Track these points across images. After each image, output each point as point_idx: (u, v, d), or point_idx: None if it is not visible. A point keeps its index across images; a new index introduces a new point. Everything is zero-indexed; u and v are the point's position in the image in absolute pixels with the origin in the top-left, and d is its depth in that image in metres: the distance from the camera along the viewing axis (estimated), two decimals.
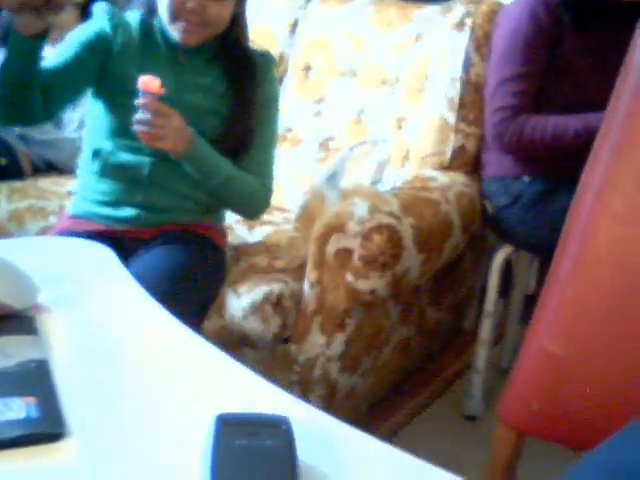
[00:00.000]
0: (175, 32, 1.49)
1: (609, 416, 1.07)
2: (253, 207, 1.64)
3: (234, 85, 1.55)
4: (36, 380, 0.66)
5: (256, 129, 1.57)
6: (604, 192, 1.12)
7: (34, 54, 1.36)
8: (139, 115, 1.37)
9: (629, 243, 1.10)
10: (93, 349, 0.73)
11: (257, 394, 0.69)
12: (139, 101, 1.36)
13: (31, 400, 0.63)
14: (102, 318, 0.79)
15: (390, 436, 1.88)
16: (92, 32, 1.51)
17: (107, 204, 1.55)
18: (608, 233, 1.11)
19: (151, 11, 1.53)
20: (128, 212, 1.55)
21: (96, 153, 1.56)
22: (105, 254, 0.92)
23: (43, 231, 1.86)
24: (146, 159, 1.53)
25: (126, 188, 1.55)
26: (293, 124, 2.16)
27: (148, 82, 1.35)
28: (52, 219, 1.90)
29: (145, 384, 0.69)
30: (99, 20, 1.54)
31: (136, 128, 1.38)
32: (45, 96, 1.43)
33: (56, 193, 2.06)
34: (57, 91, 1.47)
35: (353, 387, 1.78)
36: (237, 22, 1.56)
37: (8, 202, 1.99)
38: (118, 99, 1.50)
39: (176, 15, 1.47)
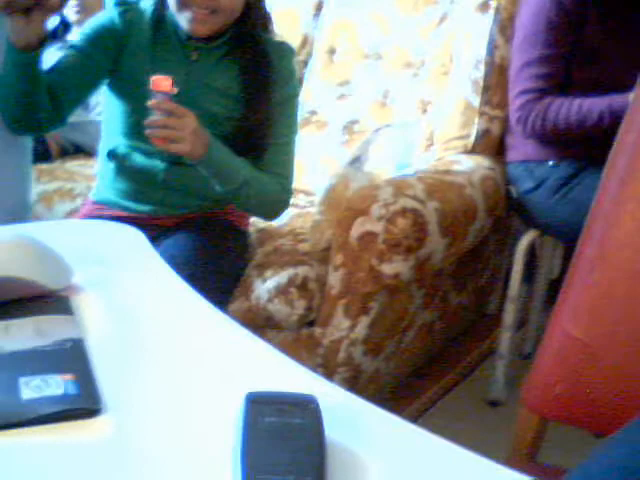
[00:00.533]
0: (183, 22, 1.41)
1: (632, 401, 1.08)
2: (272, 210, 1.57)
3: (249, 87, 1.46)
4: (73, 358, 0.68)
5: (274, 129, 1.48)
6: (629, 176, 1.12)
7: (32, 66, 1.30)
8: (152, 117, 1.30)
9: None
10: (127, 329, 0.75)
11: (285, 373, 0.70)
12: (151, 102, 1.29)
13: (69, 377, 0.65)
14: (135, 299, 0.81)
15: (413, 420, 1.90)
16: (102, 27, 1.45)
17: (126, 199, 1.55)
18: (633, 217, 1.11)
19: (163, 3, 1.46)
20: (147, 207, 1.54)
21: (110, 154, 1.53)
22: (135, 236, 0.94)
23: (71, 213, 1.89)
24: (160, 164, 1.50)
25: (142, 189, 1.53)
26: (318, 107, 2.16)
27: (159, 81, 1.28)
28: (79, 201, 1.93)
29: (176, 362, 0.71)
30: (110, 14, 1.48)
31: (148, 132, 1.30)
32: (54, 102, 1.39)
33: (84, 175, 2.08)
34: (67, 94, 1.42)
35: (377, 370, 1.80)
36: (253, 10, 1.46)
37: (36, 184, 2.02)
38: (130, 98, 1.45)
39: (184, 2, 1.39)
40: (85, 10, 2.22)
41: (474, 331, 2.25)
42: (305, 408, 0.61)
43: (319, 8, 2.21)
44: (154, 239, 1.46)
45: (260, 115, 1.46)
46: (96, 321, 0.75)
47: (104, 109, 1.58)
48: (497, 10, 1.92)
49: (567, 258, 2.07)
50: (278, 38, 1.56)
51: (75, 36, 1.52)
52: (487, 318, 2.28)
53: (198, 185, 1.50)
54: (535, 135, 1.81)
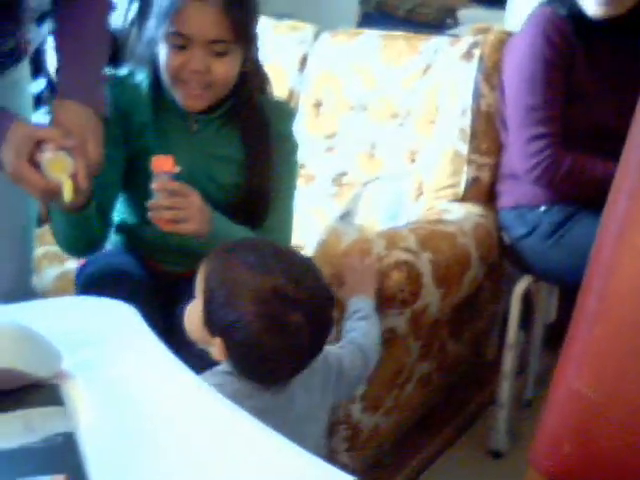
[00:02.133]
0: (179, 97, 1.37)
1: None
2: None
3: (252, 151, 1.44)
4: (64, 455, 0.65)
5: (275, 192, 1.46)
6: (626, 227, 1.10)
7: (86, 220, 1.31)
8: (155, 200, 1.25)
9: None
10: (121, 418, 0.72)
11: (288, 461, 0.67)
12: (153, 184, 1.25)
13: (60, 478, 0.62)
14: (129, 383, 0.78)
15: (417, 474, 1.85)
16: (110, 120, 1.35)
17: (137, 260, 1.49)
18: (632, 269, 1.09)
19: (157, 76, 1.39)
20: (162, 268, 1.49)
21: (121, 226, 1.49)
22: (127, 312, 0.91)
23: (61, 277, 1.85)
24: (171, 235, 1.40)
25: (155, 254, 1.48)
26: (306, 160, 2.15)
27: (161, 162, 1.24)
28: (69, 264, 1.89)
29: (174, 453, 0.68)
30: (111, 99, 1.38)
31: (152, 215, 1.25)
32: (102, 221, 1.39)
33: None
34: (108, 206, 1.41)
35: (376, 426, 1.76)
36: (249, 76, 1.42)
37: None
38: (138, 178, 1.38)
39: (178, 77, 1.34)
40: None
41: (473, 379, 2.21)
42: None
43: (304, 62, 2.22)
44: (176, 290, 1.41)
45: (264, 178, 1.44)
46: (88, 410, 0.72)
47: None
48: (481, 58, 1.92)
49: (564, 301, 2.07)
50: (275, 98, 1.54)
51: None
52: (485, 365, 2.25)
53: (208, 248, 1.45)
54: (548, 182, 1.78)
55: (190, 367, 1.01)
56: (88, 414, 0.72)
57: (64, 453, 0.65)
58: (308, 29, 2.26)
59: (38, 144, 1.13)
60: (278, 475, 0.63)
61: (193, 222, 1.27)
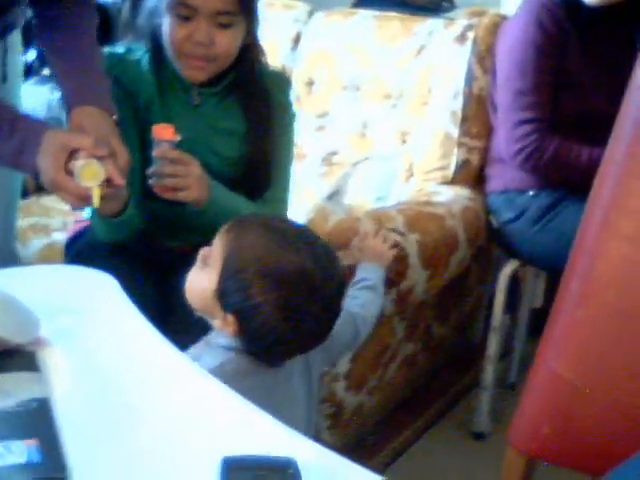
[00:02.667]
0: (181, 69, 1.37)
1: (622, 439, 1.06)
2: None
3: (253, 123, 1.44)
4: (37, 421, 0.65)
5: (275, 163, 1.46)
6: (612, 212, 1.10)
7: (124, 224, 1.31)
8: (155, 167, 1.26)
9: (638, 263, 1.08)
10: (96, 386, 0.72)
11: (264, 432, 0.67)
12: (155, 151, 1.25)
13: (32, 443, 0.61)
14: (106, 352, 0.77)
15: (398, 454, 1.86)
16: (119, 100, 1.35)
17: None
18: (617, 254, 1.10)
19: (158, 48, 1.39)
20: (162, 243, 1.48)
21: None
22: (108, 283, 0.90)
23: (47, 248, 1.85)
24: (167, 207, 1.38)
25: (156, 230, 1.45)
26: (296, 138, 2.14)
27: (161, 130, 1.25)
28: (56, 235, 1.89)
29: (149, 422, 0.68)
30: (114, 79, 1.38)
31: (152, 182, 1.26)
32: (138, 208, 1.36)
33: (59, 210, 2.05)
34: (135, 187, 1.36)
35: (360, 405, 1.77)
36: (249, 49, 1.42)
37: None
38: (144, 152, 1.37)
39: (182, 49, 1.34)
40: None
41: (457, 361, 2.22)
42: (284, 473, 0.58)
43: (297, 40, 2.20)
44: (170, 264, 1.40)
45: (265, 149, 1.44)
46: (64, 378, 0.72)
47: None
48: (474, 42, 1.91)
49: (550, 287, 2.07)
50: (272, 68, 1.54)
51: None
52: (470, 348, 2.25)
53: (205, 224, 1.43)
54: (534, 166, 1.78)
55: (186, 337, 1.02)
56: (63, 381, 0.72)
57: (37, 418, 0.65)
58: (302, 8, 2.25)
59: (71, 153, 1.15)
60: (255, 445, 0.64)
61: (192, 190, 1.27)
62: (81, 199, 1.15)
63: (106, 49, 1.43)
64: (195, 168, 1.28)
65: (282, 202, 1.52)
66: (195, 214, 1.35)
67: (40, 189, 2.22)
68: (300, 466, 0.60)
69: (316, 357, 1.16)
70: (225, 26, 1.32)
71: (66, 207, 2.06)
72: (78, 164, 1.13)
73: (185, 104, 1.43)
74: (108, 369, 0.75)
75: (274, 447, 0.65)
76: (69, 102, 1.28)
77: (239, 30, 1.36)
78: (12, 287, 0.81)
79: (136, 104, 1.40)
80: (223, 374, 0.92)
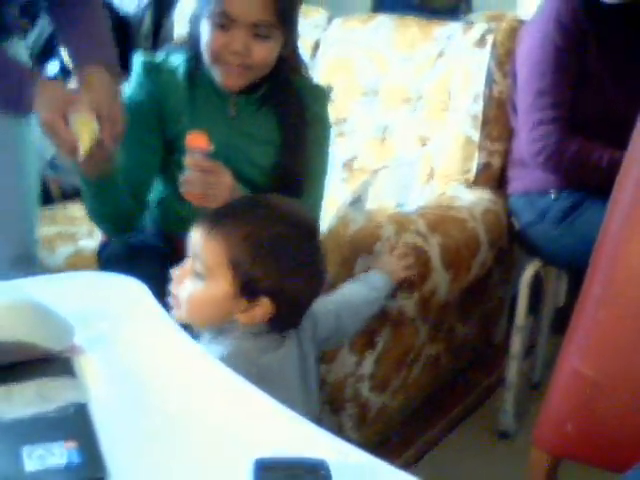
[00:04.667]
0: (217, 76, 1.39)
1: None
2: None
3: (288, 133, 1.45)
4: (76, 424, 0.67)
5: (307, 174, 1.47)
6: (633, 213, 1.11)
7: (109, 187, 1.34)
8: (186, 175, 1.29)
9: None
10: (131, 390, 0.75)
11: (295, 433, 0.69)
12: (187, 160, 1.28)
13: (72, 445, 0.64)
14: (139, 357, 0.80)
15: (422, 454, 1.88)
16: (140, 105, 1.41)
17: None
18: (638, 254, 1.10)
19: (197, 56, 1.41)
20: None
21: (158, 203, 1.50)
22: (138, 289, 0.93)
23: (75, 255, 1.88)
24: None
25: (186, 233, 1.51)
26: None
27: (195, 139, 1.27)
28: (82, 243, 1.92)
29: (184, 425, 0.70)
30: (144, 86, 1.43)
31: (184, 189, 1.30)
32: (136, 199, 1.42)
33: (85, 219, 2.07)
34: (143, 186, 1.44)
35: (384, 405, 1.78)
36: (286, 59, 1.44)
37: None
38: (174, 157, 1.41)
39: (218, 57, 1.36)
40: None
41: (481, 361, 2.23)
42: (316, 474, 0.60)
43: (316, 47, 2.22)
44: None
45: (299, 159, 1.46)
46: (99, 383, 0.75)
47: None
48: (494, 45, 1.92)
49: (572, 286, 2.07)
50: (311, 81, 1.56)
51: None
52: (493, 348, 2.26)
53: None
54: (554, 166, 1.78)
55: None
56: (99, 386, 0.74)
57: (76, 422, 0.68)
58: (321, 14, 2.26)
59: (69, 105, 1.22)
60: (286, 446, 0.66)
61: (222, 200, 1.28)
62: (70, 147, 1.20)
63: (142, 56, 1.46)
64: (226, 178, 1.31)
65: (314, 213, 1.52)
66: None
67: (65, 197, 2.26)
68: (331, 467, 0.62)
69: (306, 335, 1.17)
70: (262, 37, 1.35)
71: None
72: (76, 114, 1.20)
73: (220, 112, 1.45)
74: (141, 374, 0.77)
75: (305, 448, 0.67)
76: (79, 61, 1.35)
77: (276, 42, 1.37)
78: (45, 295, 0.84)
79: (165, 111, 1.43)
80: (236, 358, 0.97)
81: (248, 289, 1.03)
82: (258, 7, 1.33)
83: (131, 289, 0.93)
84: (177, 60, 1.45)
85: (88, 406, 0.70)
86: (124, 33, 2.31)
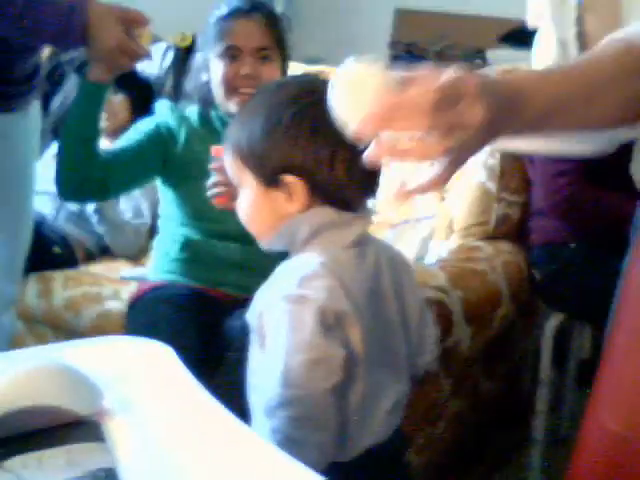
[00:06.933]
0: (233, 106, 1.56)
1: None
2: None
3: None
4: None
5: None
6: None
7: (99, 98, 1.44)
8: (212, 178, 1.39)
9: None
10: (160, 457, 0.75)
11: None
12: (212, 165, 1.38)
13: None
14: (167, 423, 0.80)
15: None
16: (156, 124, 1.61)
17: (199, 282, 1.59)
18: None
19: (207, 101, 1.62)
20: (223, 290, 1.58)
21: (186, 243, 1.60)
22: (165, 353, 0.94)
23: (101, 317, 1.90)
24: (236, 245, 1.56)
25: (220, 272, 1.58)
26: None
27: (220, 149, 1.34)
28: (108, 304, 1.94)
29: None
30: (162, 115, 1.63)
31: (210, 193, 1.38)
32: (106, 174, 1.51)
33: (110, 279, 2.10)
34: (118, 172, 1.54)
35: (409, 464, 1.76)
36: None
37: (63, 290, 2.04)
38: (190, 184, 1.55)
39: (232, 86, 1.55)
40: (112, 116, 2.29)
41: (506, 417, 2.20)
42: None
43: None
44: (223, 312, 1.51)
45: None
46: (128, 448, 0.75)
47: (162, 200, 1.68)
48: None
49: (597, 337, 2.06)
50: None
51: (132, 129, 1.65)
52: (519, 403, 2.23)
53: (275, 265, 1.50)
54: (574, 218, 1.79)
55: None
56: (128, 452, 0.74)
57: None
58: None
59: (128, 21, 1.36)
60: None
61: None
62: (138, 58, 1.39)
63: (164, 101, 1.72)
64: None
65: None
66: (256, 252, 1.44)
67: (90, 258, 2.29)
68: None
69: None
70: (265, 58, 1.58)
71: (116, 275, 2.12)
72: (146, 29, 1.39)
73: None
74: (170, 439, 0.78)
75: None
76: None
77: (277, 63, 1.61)
78: (72, 359, 0.85)
79: (169, 147, 1.59)
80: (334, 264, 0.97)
81: (269, 175, 1.01)
82: (258, 34, 1.58)
83: (158, 353, 0.94)
84: (192, 109, 1.65)
85: (118, 472, 0.70)
86: (148, 96, 2.38)
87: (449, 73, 0.61)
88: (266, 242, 1.08)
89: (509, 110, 0.64)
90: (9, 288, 1.60)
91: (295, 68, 2.17)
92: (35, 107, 1.57)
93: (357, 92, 0.59)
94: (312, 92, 1.01)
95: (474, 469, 1.99)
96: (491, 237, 1.97)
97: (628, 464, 1.09)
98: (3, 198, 1.51)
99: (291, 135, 1.00)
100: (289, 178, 1.01)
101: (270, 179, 1.02)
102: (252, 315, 1.03)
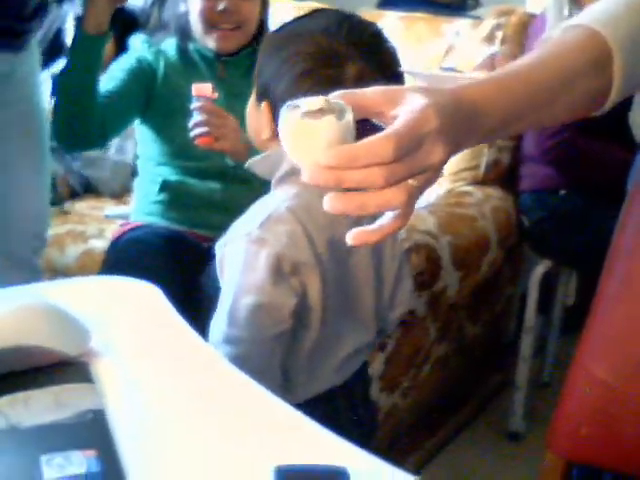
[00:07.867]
0: (211, 42, 1.54)
1: None
2: None
3: None
4: (94, 432, 0.67)
5: None
6: None
7: (99, 50, 1.42)
8: (194, 118, 1.36)
9: None
10: (148, 396, 0.74)
11: (315, 442, 0.69)
12: (193, 105, 1.36)
13: (91, 453, 0.63)
14: (155, 363, 0.79)
15: (432, 455, 1.87)
16: (135, 60, 1.57)
17: (180, 225, 1.57)
18: None
19: (185, 34, 1.58)
20: (204, 231, 1.55)
21: (165, 184, 1.58)
22: (152, 293, 0.92)
23: (85, 255, 1.88)
24: (215, 185, 1.54)
25: (199, 214, 1.56)
26: None
27: (200, 88, 1.37)
28: (92, 242, 1.92)
29: (202, 433, 0.69)
30: (139, 50, 1.60)
31: (193, 133, 1.37)
32: (104, 119, 1.49)
33: (94, 217, 2.08)
34: (111, 116, 1.51)
35: (393, 406, 1.78)
36: (266, 26, 1.59)
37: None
38: (171, 120, 1.53)
39: (210, 22, 1.52)
40: None
41: (490, 361, 2.22)
42: None
43: None
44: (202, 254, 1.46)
45: None
46: (117, 389, 0.74)
47: (140, 141, 1.65)
48: (503, 41, 1.92)
49: (583, 284, 2.07)
50: None
51: (110, 69, 1.61)
52: (503, 347, 2.25)
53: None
54: (565, 164, 1.77)
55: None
56: (116, 392, 0.73)
57: (94, 429, 0.67)
58: None
59: None
60: (307, 454, 0.65)
61: (227, 139, 1.36)
62: None
63: (141, 36, 1.66)
64: (230, 121, 1.38)
65: None
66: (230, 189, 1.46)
67: (74, 195, 2.26)
68: (351, 475, 0.61)
69: None
70: None
71: (100, 214, 2.09)
72: None
73: (211, 77, 1.56)
74: (158, 379, 0.77)
75: (326, 455, 0.66)
76: None
77: (257, 1, 1.55)
78: (59, 299, 0.83)
79: (151, 82, 1.56)
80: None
81: (259, 90, 1.01)
82: None
83: (145, 293, 0.92)
84: (169, 42, 1.62)
85: (106, 413, 0.69)
86: (131, 29, 2.31)
87: (406, 111, 0.57)
88: (250, 162, 1.04)
89: (467, 130, 0.62)
90: (39, 228, 1.56)
91: (285, 6, 2.12)
92: (35, 43, 1.51)
93: (307, 141, 0.53)
94: (332, 57, 0.95)
95: (457, 412, 2.01)
96: (481, 182, 1.96)
97: (615, 411, 1.10)
98: (24, 131, 1.47)
99: (286, 67, 0.97)
100: (265, 101, 0.99)
101: (258, 95, 1.01)
102: (220, 245, 1.02)
